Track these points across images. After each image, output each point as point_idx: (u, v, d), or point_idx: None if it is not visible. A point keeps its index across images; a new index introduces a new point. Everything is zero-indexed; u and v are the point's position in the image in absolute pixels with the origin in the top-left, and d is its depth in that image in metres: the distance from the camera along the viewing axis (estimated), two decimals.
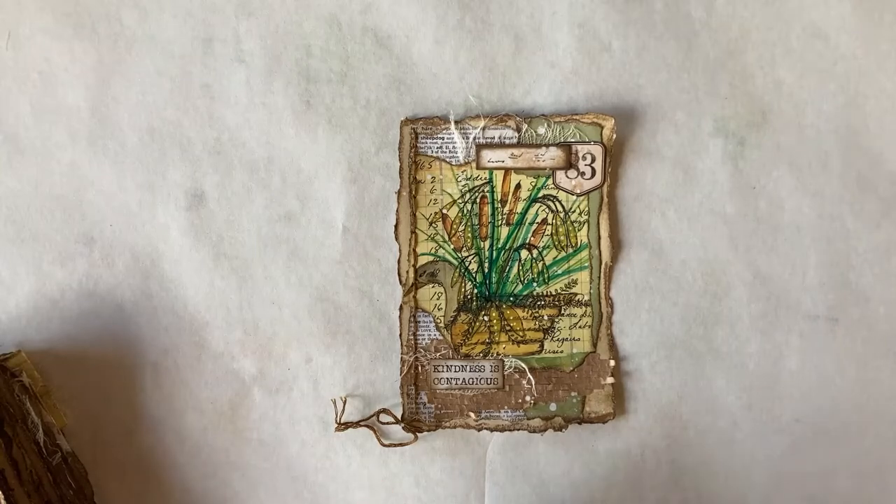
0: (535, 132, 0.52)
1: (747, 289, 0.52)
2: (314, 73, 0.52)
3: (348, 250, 0.52)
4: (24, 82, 0.52)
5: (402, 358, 0.52)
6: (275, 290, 0.52)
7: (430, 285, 0.52)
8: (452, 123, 0.52)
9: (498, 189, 0.52)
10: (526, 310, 0.52)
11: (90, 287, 0.52)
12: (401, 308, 0.52)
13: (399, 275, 0.52)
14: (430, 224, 0.52)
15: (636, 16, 0.53)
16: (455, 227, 0.52)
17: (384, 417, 0.51)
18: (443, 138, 0.52)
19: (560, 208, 0.52)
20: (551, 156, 0.52)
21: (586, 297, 0.52)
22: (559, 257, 0.52)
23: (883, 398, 0.53)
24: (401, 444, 0.51)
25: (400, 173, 0.52)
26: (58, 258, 0.52)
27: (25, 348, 0.51)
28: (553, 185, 0.52)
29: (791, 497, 0.52)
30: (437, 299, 0.52)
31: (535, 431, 0.51)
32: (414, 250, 0.52)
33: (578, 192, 0.52)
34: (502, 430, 0.51)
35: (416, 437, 0.51)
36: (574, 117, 0.52)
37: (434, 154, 0.52)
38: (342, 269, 0.52)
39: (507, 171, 0.52)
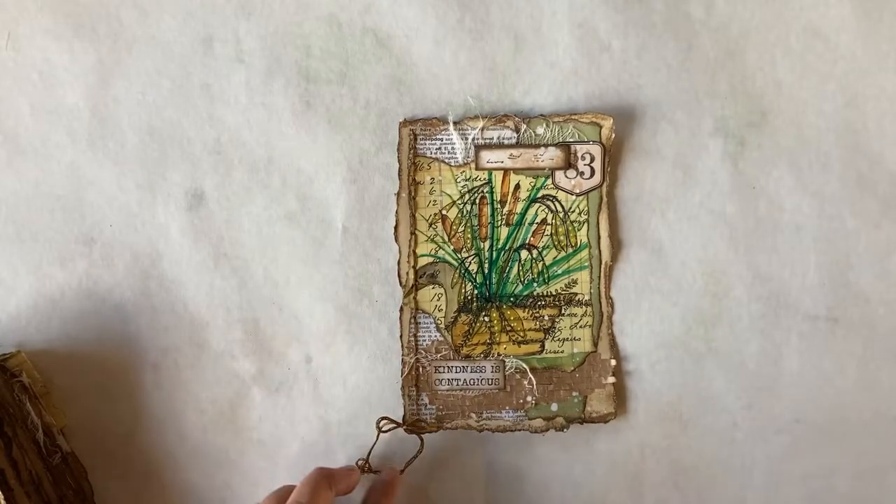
0: (534, 132, 0.52)
1: (747, 289, 0.52)
2: (314, 74, 0.52)
3: (348, 250, 0.52)
4: (24, 82, 0.52)
5: (402, 359, 0.52)
6: (275, 290, 0.52)
7: (431, 286, 0.52)
8: (451, 124, 0.52)
9: (497, 190, 0.52)
10: (526, 310, 0.52)
11: (90, 287, 0.52)
12: (401, 309, 0.52)
13: (399, 276, 0.52)
14: (430, 225, 0.52)
15: (636, 16, 0.53)
16: (455, 227, 0.52)
17: (385, 425, 0.51)
18: (442, 139, 0.52)
19: (559, 208, 0.52)
20: (550, 156, 0.52)
21: (586, 297, 0.52)
22: (559, 257, 0.52)
23: (883, 398, 0.52)
24: (409, 464, 0.50)
25: (399, 175, 0.52)
26: (58, 258, 0.52)
27: (25, 348, 0.51)
28: (552, 185, 0.52)
29: (791, 497, 0.52)
30: (438, 300, 0.52)
31: (536, 432, 0.51)
32: (414, 251, 0.52)
33: (578, 192, 0.52)
34: (504, 430, 0.51)
35: (423, 447, 0.51)
36: (573, 117, 0.52)
37: (433, 155, 0.52)
38: (342, 269, 0.52)
39: (506, 171, 0.52)
